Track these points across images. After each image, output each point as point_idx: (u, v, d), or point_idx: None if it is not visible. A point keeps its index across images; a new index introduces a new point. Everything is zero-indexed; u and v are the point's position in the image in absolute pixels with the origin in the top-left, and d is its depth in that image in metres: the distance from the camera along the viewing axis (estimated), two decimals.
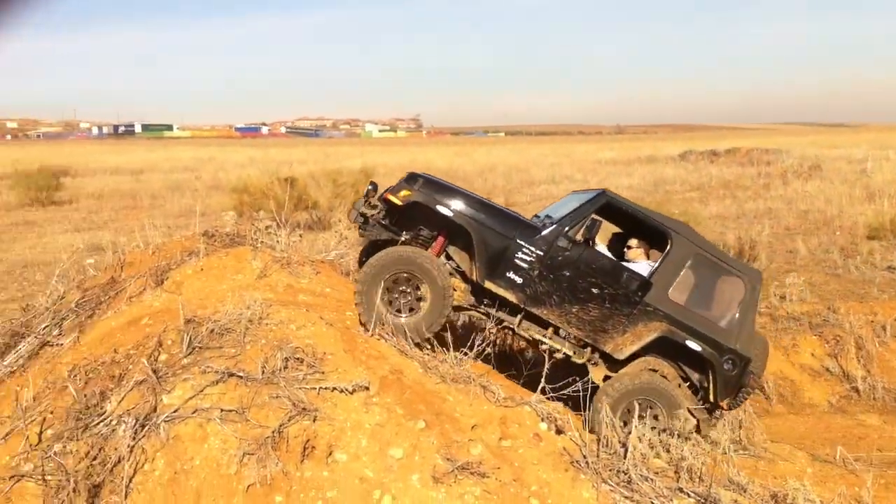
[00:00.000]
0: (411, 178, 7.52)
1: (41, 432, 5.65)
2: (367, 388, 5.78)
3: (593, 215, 7.30)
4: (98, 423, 5.41)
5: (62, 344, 7.35)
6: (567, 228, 7.30)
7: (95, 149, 75.72)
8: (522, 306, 7.30)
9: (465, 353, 6.87)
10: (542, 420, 6.19)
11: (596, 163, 48.14)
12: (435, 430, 5.65)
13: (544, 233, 7.29)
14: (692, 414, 7.27)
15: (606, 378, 7.36)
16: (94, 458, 5.14)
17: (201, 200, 24.38)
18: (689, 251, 7.46)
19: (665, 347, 7.36)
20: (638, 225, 7.77)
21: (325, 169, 28.33)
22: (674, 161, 45.09)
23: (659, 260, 7.45)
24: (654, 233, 7.65)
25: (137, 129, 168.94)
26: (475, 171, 38.78)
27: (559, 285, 7.27)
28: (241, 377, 5.68)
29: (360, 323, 6.89)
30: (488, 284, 7.30)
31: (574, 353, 7.44)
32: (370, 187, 7.61)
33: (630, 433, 6.33)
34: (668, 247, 7.45)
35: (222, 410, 5.40)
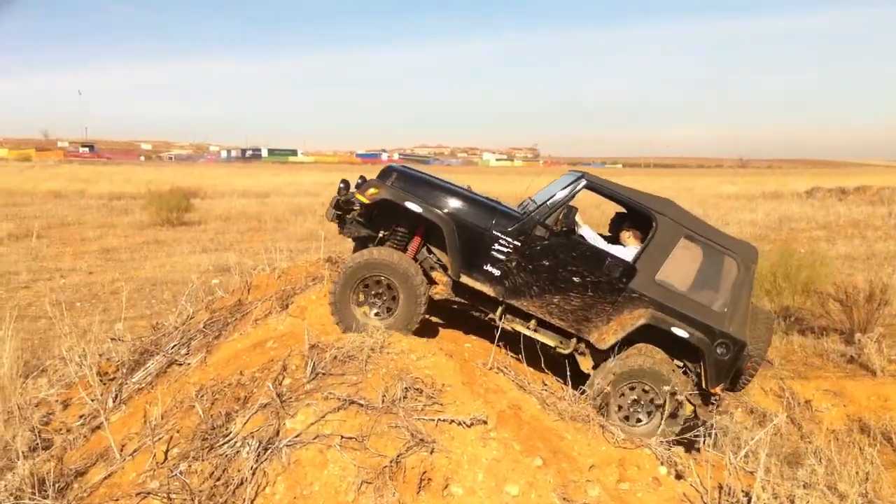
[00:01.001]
0: (385, 173, 7.47)
1: (167, 450, 5.83)
2: (485, 422, 5.75)
3: (570, 203, 7.13)
4: (223, 444, 5.54)
5: (190, 363, 7.61)
6: (545, 217, 7.14)
7: (223, 171, 78.50)
8: (501, 299, 7.15)
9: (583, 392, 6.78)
10: (662, 464, 6.03)
11: (717, 197, 47.09)
12: (552, 469, 5.57)
13: (521, 223, 7.15)
14: (689, 400, 7.03)
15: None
16: (218, 479, 5.26)
17: (323, 226, 24.93)
18: (675, 233, 7.21)
19: (655, 335, 7.12)
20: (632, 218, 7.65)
21: None
22: (800, 198, 43.69)
23: (643, 244, 7.25)
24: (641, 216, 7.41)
25: (264, 153, 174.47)
26: (590, 203, 38.41)
27: (539, 276, 7.12)
28: (361, 405, 5.73)
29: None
30: (465, 279, 7.20)
31: (559, 343, 7.34)
32: (341, 185, 7.52)
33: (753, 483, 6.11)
34: (653, 229, 7.22)
35: (342, 437, 5.45)
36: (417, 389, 5.96)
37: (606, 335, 7.08)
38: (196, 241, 24.25)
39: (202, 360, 7.56)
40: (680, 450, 6.30)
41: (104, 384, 8.06)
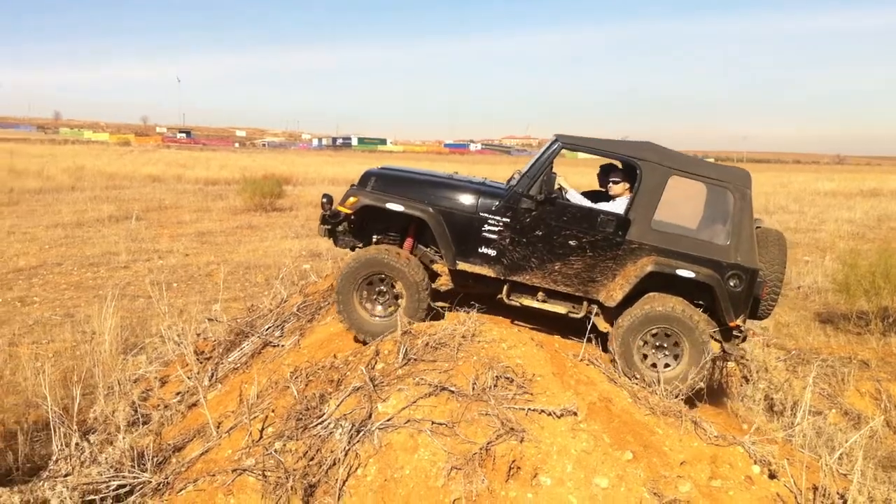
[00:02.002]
0: (364, 178, 7.46)
1: (263, 429, 5.97)
2: (575, 414, 5.72)
3: (550, 168, 7.02)
4: (316, 425, 5.65)
5: (283, 345, 7.78)
6: (527, 188, 7.04)
7: (314, 159, 79.66)
8: (503, 278, 7.11)
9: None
10: (755, 462, 5.90)
11: (814, 194, 45.78)
12: (642, 463, 5.51)
13: (505, 199, 7.09)
14: (713, 338, 6.94)
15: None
16: (311, 459, 5.36)
17: None
18: (662, 174, 7.01)
19: (665, 281, 6.97)
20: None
21: None
22: None
23: (632, 193, 7.07)
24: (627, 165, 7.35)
25: (353, 142, 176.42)
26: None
27: (535, 247, 7.06)
28: (452, 392, 5.77)
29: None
30: (461, 266, 7.18)
31: (570, 309, 7.22)
32: (324, 200, 7.44)
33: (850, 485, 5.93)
34: (638, 176, 7.05)
35: (433, 423, 5.50)
36: (508, 378, 5.97)
37: (614, 292, 6.98)
38: (288, 227, 24.69)
39: (296, 342, 7.72)
40: (775, 449, 6.15)
41: (201, 363, 8.30)
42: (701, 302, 7.12)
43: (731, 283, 6.90)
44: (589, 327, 7.02)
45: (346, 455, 5.31)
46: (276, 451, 5.47)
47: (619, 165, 7.71)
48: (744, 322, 7.06)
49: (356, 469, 5.28)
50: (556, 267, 7.07)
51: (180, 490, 5.37)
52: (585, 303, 7.18)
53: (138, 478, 5.71)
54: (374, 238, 7.55)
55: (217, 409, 6.87)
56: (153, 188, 36.92)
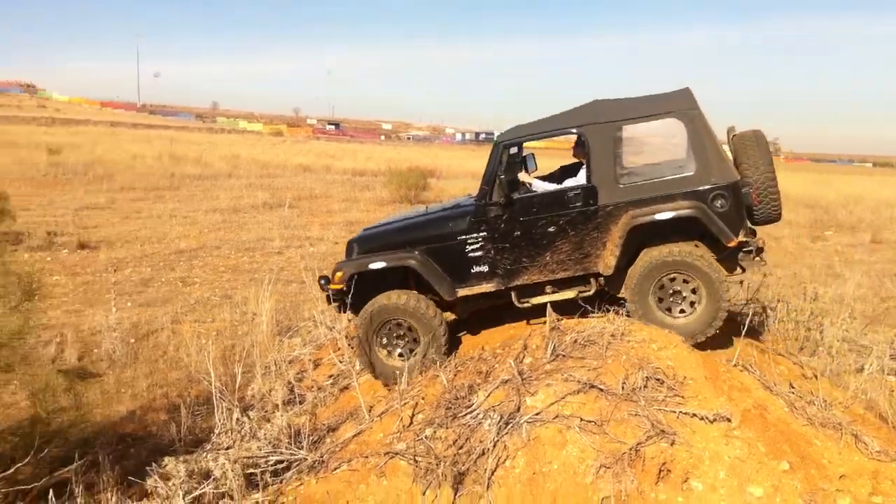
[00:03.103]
0: (348, 248, 7.73)
1: (413, 415, 6.13)
2: (729, 420, 5.61)
3: (501, 170, 7.05)
4: (466, 415, 5.76)
5: None
6: (488, 196, 7.10)
7: (458, 153, 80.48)
8: (504, 288, 7.11)
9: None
10: None
11: None
12: (799, 474, 5.35)
13: (473, 215, 7.17)
14: (721, 262, 6.81)
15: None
16: (461, 447, 5.47)
17: None
18: (605, 133, 6.92)
19: (653, 231, 6.86)
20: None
21: None
22: None
23: (586, 160, 7.01)
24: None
25: (496, 136, 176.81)
26: (837, 201, 36.12)
27: (520, 248, 7.08)
28: (601, 390, 5.76)
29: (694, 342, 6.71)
30: (462, 292, 7.26)
31: (580, 290, 7.15)
32: (321, 281, 7.71)
33: None
34: (585, 143, 7.01)
35: (582, 420, 5.51)
36: (658, 380, 5.91)
37: (607, 259, 6.89)
38: None
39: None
40: None
41: (352, 348, 8.56)
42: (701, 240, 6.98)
43: (718, 205, 6.72)
44: None
45: (494, 446, 5.39)
46: (426, 437, 5.60)
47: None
48: (747, 236, 6.87)
49: (504, 460, 5.35)
50: (548, 257, 7.05)
51: (335, 469, 5.58)
52: (592, 279, 7.13)
53: (295, 455, 5.96)
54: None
55: (368, 392, 7.09)
56: (304, 177, 38.11)
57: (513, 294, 7.20)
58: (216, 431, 6.68)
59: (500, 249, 7.11)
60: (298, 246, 19.08)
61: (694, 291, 6.74)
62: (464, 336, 7.63)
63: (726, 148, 7.27)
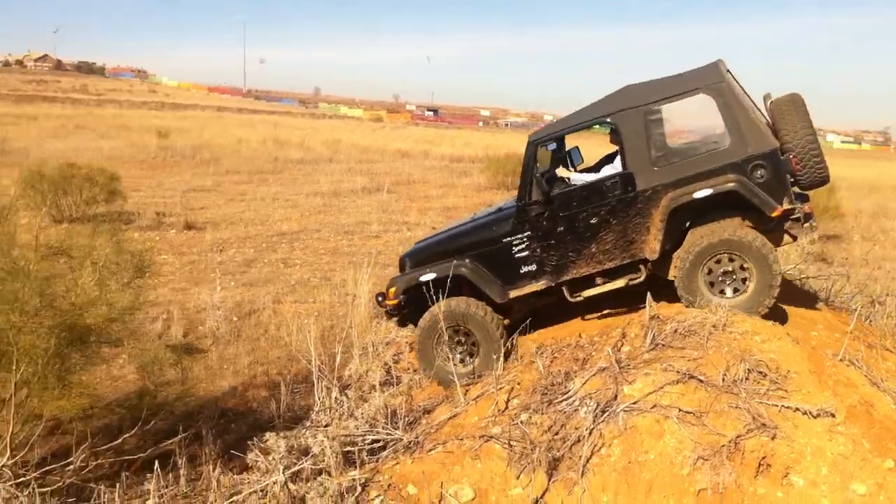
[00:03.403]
0: (401, 264, 7.87)
1: (508, 400, 6.15)
2: (833, 415, 5.45)
3: (535, 168, 7.10)
4: (561, 401, 5.75)
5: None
6: (529, 195, 7.13)
7: None
8: (554, 285, 7.11)
9: None
10: None
11: None
12: None
13: (516, 216, 7.24)
14: (769, 233, 6.68)
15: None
16: (556, 434, 5.47)
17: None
18: (636, 118, 6.87)
19: (696, 210, 6.80)
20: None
21: None
22: None
23: (620, 147, 7.02)
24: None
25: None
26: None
27: (565, 243, 7.07)
28: (701, 381, 5.67)
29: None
30: (513, 294, 7.29)
31: (630, 279, 7.07)
32: (378, 298, 7.80)
33: None
34: (617, 132, 7.01)
35: (680, 410, 5.43)
36: (760, 373, 5.77)
37: (652, 244, 6.82)
38: None
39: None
40: None
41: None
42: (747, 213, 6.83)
43: (757, 175, 6.59)
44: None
45: (590, 433, 5.37)
46: (522, 422, 5.62)
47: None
48: (792, 203, 6.63)
49: (600, 448, 5.33)
50: (594, 249, 7.01)
51: (430, 450, 5.65)
52: (641, 265, 7.03)
53: (391, 435, 6.06)
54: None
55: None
56: (402, 163, 38.46)
57: (564, 290, 7.19)
58: (315, 409, 6.83)
59: (546, 247, 7.13)
60: (396, 230, 19.30)
61: (743, 268, 6.62)
62: (560, 323, 7.60)
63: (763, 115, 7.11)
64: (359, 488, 5.22)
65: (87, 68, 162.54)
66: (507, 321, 7.48)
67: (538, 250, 7.15)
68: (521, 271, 7.26)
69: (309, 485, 5.29)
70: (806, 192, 7.08)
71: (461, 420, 6.13)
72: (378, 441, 6.04)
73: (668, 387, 5.66)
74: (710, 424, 5.36)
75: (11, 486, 5.63)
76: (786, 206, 6.58)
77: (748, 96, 7.06)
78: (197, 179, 27.24)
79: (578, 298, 7.20)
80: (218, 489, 5.56)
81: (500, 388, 6.26)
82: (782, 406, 5.49)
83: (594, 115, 7.14)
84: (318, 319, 10.91)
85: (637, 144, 6.87)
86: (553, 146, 7.63)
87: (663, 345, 6.21)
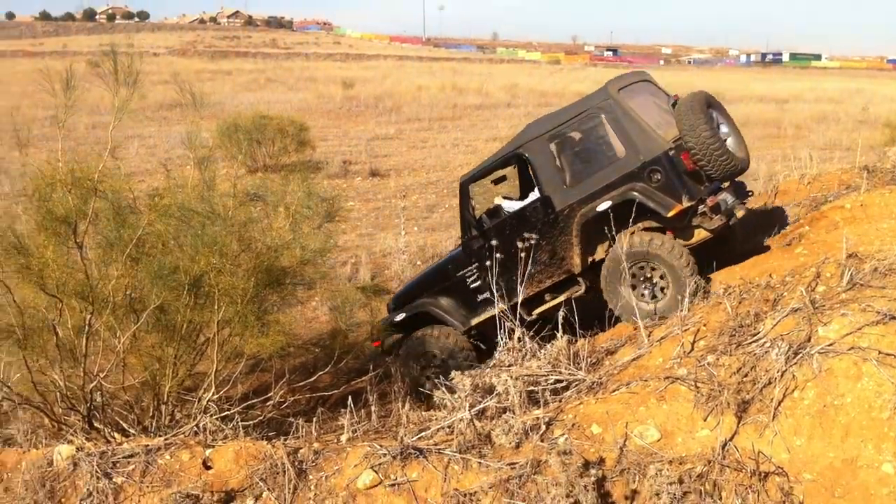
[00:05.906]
0: (388, 307, 8.95)
1: (694, 341, 6.03)
2: None
3: (468, 207, 8.07)
4: (751, 343, 5.57)
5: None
6: (469, 230, 8.07)
7: (741, 76, 76.32)
8: (509, 306, 7.07)
9: None
10: None
11: None
12: None
13: (464, 251, 8.25)
14: (683, 231, 7.15)
15: None
16: (745, 376, 5.31)
17: (847, 134, 23.29)
18: (541, 146, 7.57)
19: (604, 222, 7.21)
20: (519, 168, 8.59)
21: None
22: None
23: (534, 175, 7.66)
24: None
25: (785, 57, 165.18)
26: None
27: (508, 269, 7.61)
28: None
29: None
30: (474, 321, 8.19)
31: (572, 292, 7.74)
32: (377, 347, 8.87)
33: None
34: (528, 162, 7.67)
35: (880, 353, 5.14)
36: None
37: (574, 259, 7.56)
38: None
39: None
40: None
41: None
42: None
43: (655, 179, 7.01)
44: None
45: (782, 376, 5.18)
46: (708, 363, 5.50)
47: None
48: (691, 200, 6.96)
49: (792, 391, 5.14)
50: (532, 270, 7.53)
51: (613, 391, 5.63)
52: (579, 279, 7.74)
53: (574, 375, 6.08)
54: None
55: (644, 318, 7.04)
56: None
57: (520, 310, 7.25)
58: (498, 349, 6.95)
59: (493, 274, 7.62)
60: None
61: (662, 277, 7.03)
62: (750, 263, 7.36)
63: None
64: (543, 427, 5.26)
65: (275, 23, 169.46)
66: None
67: (487, 278, 7.80)
68: (478, 299, 8.15)
69: (494, 422, 5.39)
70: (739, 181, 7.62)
71: (645, 361, 6.07)
72: (561, 381, 6.07)
73: (867, 328, 5.35)
74: None
75: (217, 419, 6.07)
76: (684, 204, 6.89)
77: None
78: (380, 128, 27.95)
79: (534, 317, 7.79)
80: (407, 425, 5.78)
81: (686, 330, 6.14)
82: None
83: (507, 151, 8.00)
84: None
85: (548, 169, 7.55)
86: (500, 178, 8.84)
87: (861, 284, 5.88)
